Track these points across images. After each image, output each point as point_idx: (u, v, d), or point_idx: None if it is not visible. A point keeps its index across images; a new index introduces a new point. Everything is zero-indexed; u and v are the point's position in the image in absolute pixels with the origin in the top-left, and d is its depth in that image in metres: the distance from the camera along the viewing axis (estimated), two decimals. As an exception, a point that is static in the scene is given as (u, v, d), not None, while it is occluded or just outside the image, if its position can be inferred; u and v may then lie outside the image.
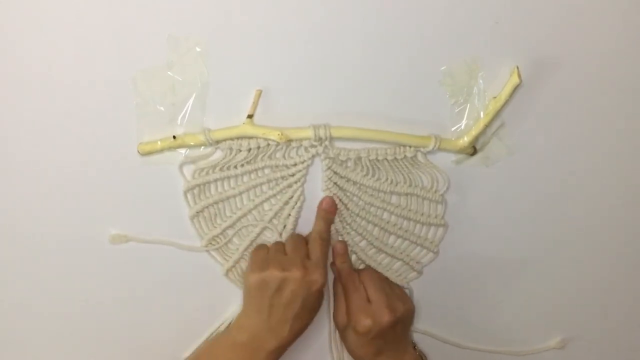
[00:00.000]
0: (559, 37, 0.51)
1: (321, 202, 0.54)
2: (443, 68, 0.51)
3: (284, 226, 0.55)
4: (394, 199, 0.55)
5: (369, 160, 0.53)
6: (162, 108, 0.51)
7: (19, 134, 0.51)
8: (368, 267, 0.57)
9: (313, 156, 0.53)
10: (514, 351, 0.62)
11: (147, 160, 0.53)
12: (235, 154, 0.53)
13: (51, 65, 0.49)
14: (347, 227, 0.56)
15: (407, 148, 0.53)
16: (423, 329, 0.60)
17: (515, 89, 0.49)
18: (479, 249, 0.58)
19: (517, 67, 0.49)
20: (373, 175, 0.54)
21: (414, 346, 0.56)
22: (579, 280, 0.60)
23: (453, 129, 0.53)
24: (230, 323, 0.57)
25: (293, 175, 0.53)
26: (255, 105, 0.51)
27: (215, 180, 0.53)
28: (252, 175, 0.54)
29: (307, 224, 0.55)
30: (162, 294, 0.57)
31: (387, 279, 0.57)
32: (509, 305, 0.61)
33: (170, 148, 0.52)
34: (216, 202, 0.54)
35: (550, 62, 0.52)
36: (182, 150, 0.53)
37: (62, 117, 0.51)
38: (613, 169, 0.56)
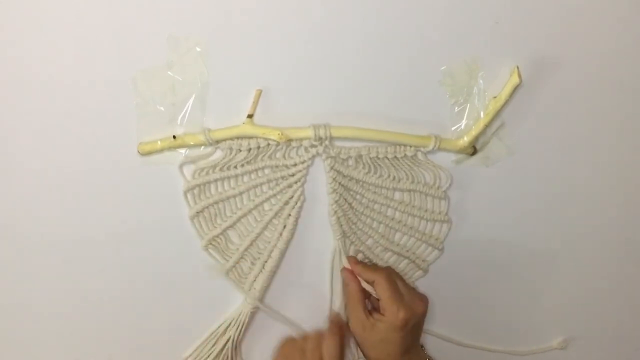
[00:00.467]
0: (559, 37, 0.51)
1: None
2: (443, 68, 0.51)
3: (284, 226, 0.55)
4: (397, 195, 0.55)
5: (370, 158, 0.53)
6: (162, 108, 0.51)
7: (19, 134, 0.51)
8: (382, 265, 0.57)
9: (313, 156, 0.53)
10: (516, 351, 0.62)
11: (147, 160, 0.53)
12: (235, 154, 0.52)
13: (51, 65, 0.49)
14: (353, 226, 0.56)
15: (407, 148, 0.53)
16: (424, 328, 0.60)
17: (515, 89, 0.49)
18: (481, 248, 0.58)
19: (517, 67, 0.49)
20: (375, 173, 0.54)
21: (422, 346, 0.56)
22: (582, 280, 0.60)
23: (453, 128, 0.53)
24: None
25: (293, 175, 0.53)
26: (255, 105, 0.51)
27: (215, 180, 0.53)
28: (252, 175, 0.54)
29: (307, 224, 0.55)
30: (162, 294, 0.57)
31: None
32: (511, 305, 0.61)
33: (170, 148, 0.52)
34: (216, 202, 0.54)
35: (550, 62, 0.52)
36: (182, 150, 0.53)
37: (62, 117, 0.51)
38: (613, 169, 0.56)
